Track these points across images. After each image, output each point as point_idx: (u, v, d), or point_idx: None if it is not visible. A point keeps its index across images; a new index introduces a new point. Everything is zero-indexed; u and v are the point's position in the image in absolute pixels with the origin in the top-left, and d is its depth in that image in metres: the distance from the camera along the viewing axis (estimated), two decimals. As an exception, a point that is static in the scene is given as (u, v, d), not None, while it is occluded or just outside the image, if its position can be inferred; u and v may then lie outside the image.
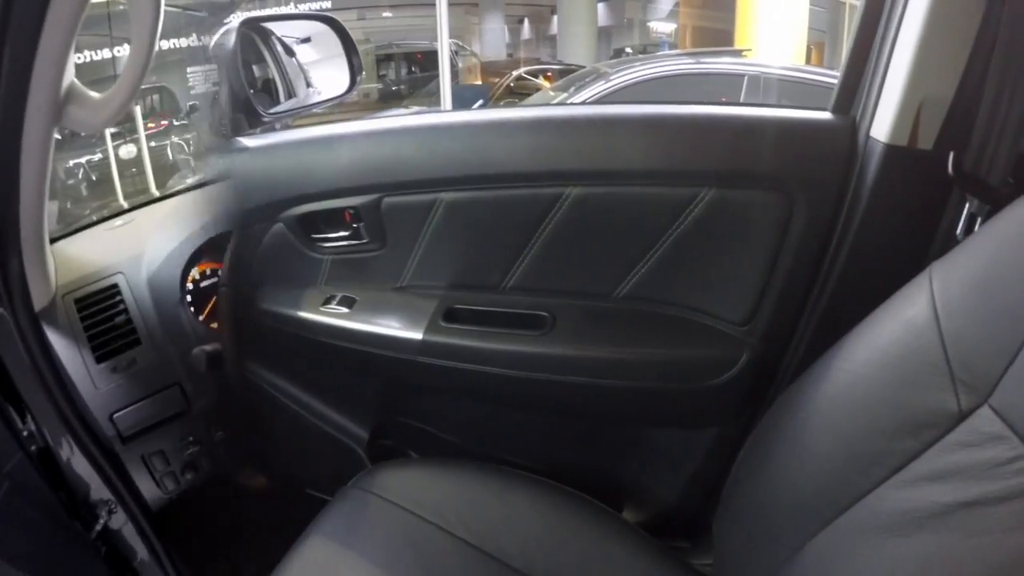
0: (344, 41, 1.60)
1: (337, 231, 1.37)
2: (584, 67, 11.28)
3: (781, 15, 9.26)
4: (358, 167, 1.30)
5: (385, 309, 1.34)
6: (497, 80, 11.22)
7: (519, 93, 9.68)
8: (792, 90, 4.95)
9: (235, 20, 1.49)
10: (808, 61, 10.57)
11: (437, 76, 8.50)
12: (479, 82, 12.98)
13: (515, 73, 10.56)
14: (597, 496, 1.19)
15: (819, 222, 1.10)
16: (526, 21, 20.88)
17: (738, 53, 6.35)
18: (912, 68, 0.97)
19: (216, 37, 1.47)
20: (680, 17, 17.96)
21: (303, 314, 1.39)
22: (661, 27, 19.64)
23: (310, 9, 10.25)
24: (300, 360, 1.58)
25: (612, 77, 5.05)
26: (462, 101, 7.94)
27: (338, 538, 1.07)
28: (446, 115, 1.33)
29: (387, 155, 1.29)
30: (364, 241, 1.34)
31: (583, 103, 4.80)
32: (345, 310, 1.35)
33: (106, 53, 6.82)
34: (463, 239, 1.28)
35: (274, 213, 1.40)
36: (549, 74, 10.92)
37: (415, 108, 8.47)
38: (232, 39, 1.45)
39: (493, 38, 19.83)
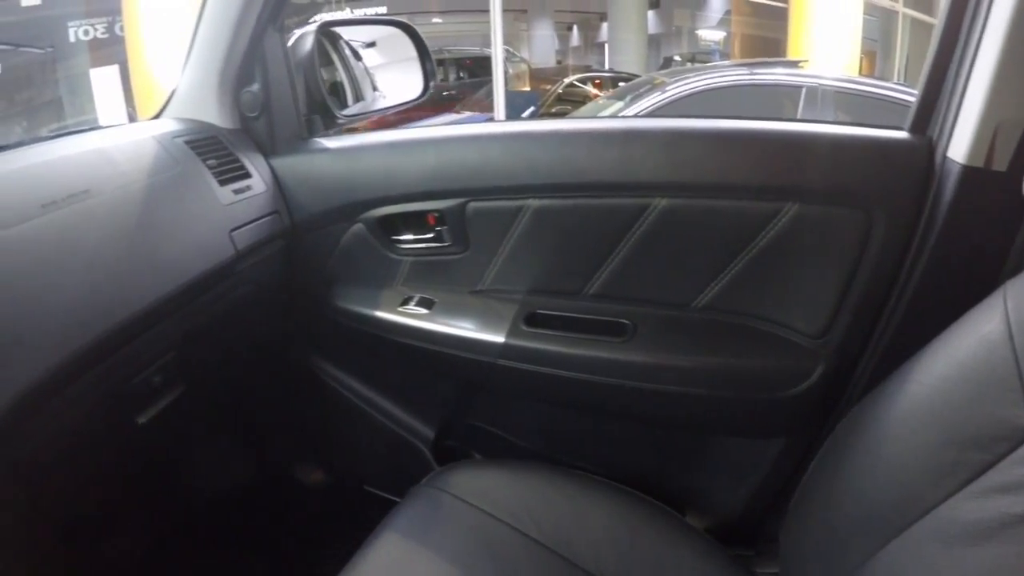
0: (418, 46, 1.65)
1: (419, 234, 1.41)
2: (635, 75, 11.34)
3: (835, 24, 9.15)
4: (445, 171, 1.34)
5: (464, 312, 1.37)
6: (548, 87, 11.25)
7: (569, 100, 9.70)
8: (850, 103, 4.90)
9: (313, 23, 1.56)
10: (859, 71, 10.48)
11: (487, 82, 8.58)
12: (527, 88, 13.02)
13: (566, 80, 10.57)
14: (663, 502, 1.21)
15: (896, 239, 1.12)
16: (575, 28, 20.91)
17: (794, 64, 6.26)
18: (990, 90, 0.99)
19: (293, 39, 1.53)
20: (731, 25, 17.87)
21: (380, 314, 1.43)
22: (710, 35, 19.57)
23: (364, 14, 10.42)
24: (371, 358, 1.63)
25: (668, 88, 5.05)
26: (512, 107, 7.97)
27: (413, 535, 1.09)
28: (534, 123, 1.39)
29: (474, 160, 1.32)
30: (446, 244, 1.38)
31: (640, 114, 4.80)
32: (424, 311, 1.39)
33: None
34: (547, 246, 1.31)
35: (354, 213, 1.44)
36: (598, 81, 10.92)
37: (466, 113, 8.53)
38: (309, 42, 1.51)
39: (542, 44, 19.94)
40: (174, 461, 1.65)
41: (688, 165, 1.20)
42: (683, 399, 1.24)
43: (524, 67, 15.13)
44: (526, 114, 8.46)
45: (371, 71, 1.85)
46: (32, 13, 11.44)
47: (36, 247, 1.09)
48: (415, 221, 1.40)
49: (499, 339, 1.30)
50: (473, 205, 1.32)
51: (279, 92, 1.50)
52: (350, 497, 1.86)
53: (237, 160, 1.45)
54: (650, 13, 17.57)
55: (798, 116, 4.87)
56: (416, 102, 1.72)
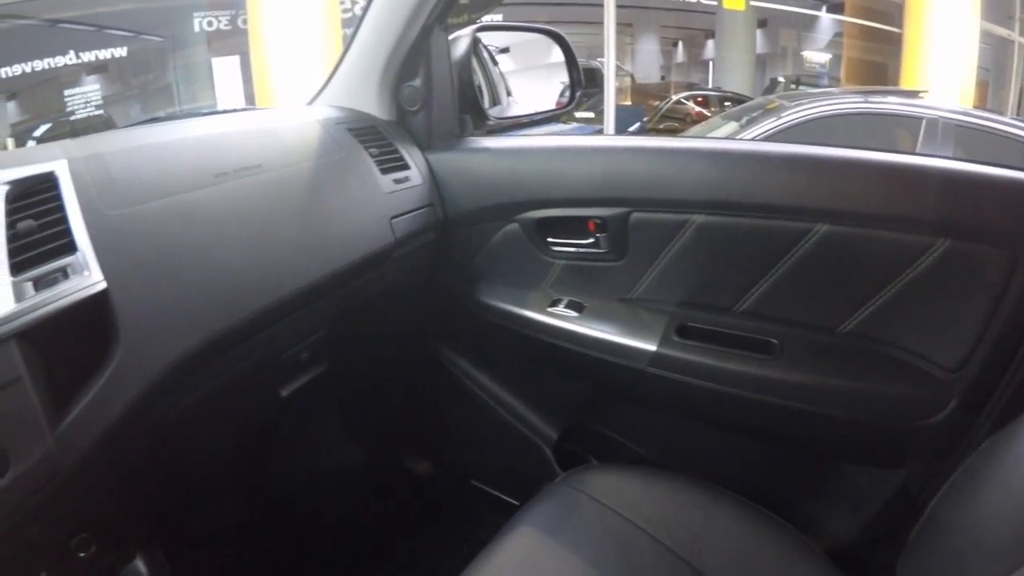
0: (567, 55, 1.71)
1: (577, 238, 1.44)
2: (741, 95, 11.33)
3: (952, 53, 9.01)
4: (611, 180, 1.37)
5: (614, 318, 1.40)
6: (653, 102, 11.32)
7: (674, 117, 9.81)
8: (970, 138, 4.84)
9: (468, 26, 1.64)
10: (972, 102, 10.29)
11: (594, 93, 8.74)
12: (629, 102, 13.10)
13: (674, 97, 10.64)
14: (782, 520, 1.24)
15: None
16: (680, 44, 20.85)
17: (913, 95, 6.12)
18: None
19: (452, 39, 1.58)
20: (838, 48, 17.62)
21: (529, 313, 1.47)
22: (815, 57, 19.26)
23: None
24: (502, 355, 1.69)
25: (784, 114, 5.07)
26: (619, 121, 8.11)
27: (548, 530, 1.11)
28: (702, 141, 1.37)
29: (642, 172, 1.34)
30: (603, 251, 1.41)
31: (757, 139, 4.83)
32: (574, 314, 1.42)
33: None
34: (705, 261, 1.33)
35: (511, 213, 1.49)
36: (700, 99, 10.95)
37: (573, 124, 8.73)
38: (465, 43, 1.58)
39: (646, 59, 19.91)
40: (303, 434, 1.76)
41: (852, 195, 1.22)
42: (820, 420, 1.26)
43: (628, 81, 15.23)
44: (633, 128, 8.58)
45: (505, 76, 1.90)
46: (153, 2, 11.99)
47: (209, 214, 1.16)
48: (574, 226, 1.43)
49: (651, 347, 1.32)
50: (637, 215, 1.34)
51: (440, 89, 1.56)
52: (453, 489, 1.94)
53: (396, 151, 1.51)
54: (756, 32, 17.45)
55: (917, 148, 4.84)
56: (567, 110, 1.80)
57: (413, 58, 1.52)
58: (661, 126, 9.43)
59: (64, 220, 0.99)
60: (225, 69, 9.09)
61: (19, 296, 0.90)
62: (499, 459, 1.83)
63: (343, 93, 1.62)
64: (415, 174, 1.50)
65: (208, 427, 1.24)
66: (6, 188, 0.98)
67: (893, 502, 1.32)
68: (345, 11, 8.37)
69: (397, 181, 1.45)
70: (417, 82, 1.54)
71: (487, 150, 1.53)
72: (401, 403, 1.95)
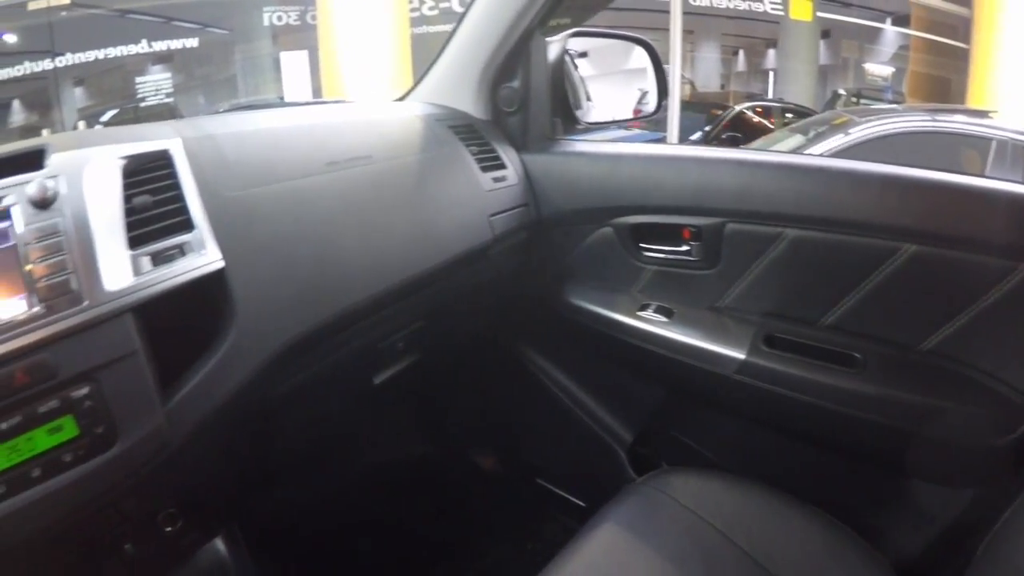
0: (654, 64, 1.73)
1: (671, 245, 1.46)
2: (803, 107, 11.28)
3: (1021, 71, 8.90)
4: (707, 190, 1.38)
5: (702, 325, 1.41)
6: (714, 111, 11.29)
7: (734, 127, 9.79)
8: None
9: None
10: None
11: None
12: (689, 110, 13.10)
13: (737, 108, 10.61)
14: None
15: None
16: (741, 53, 20.68)
17: (983, 114, 6.08)
18: None
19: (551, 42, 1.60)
20: (902, 62, 17.40)
21: (618, 316, 1.50)
22: (877, 70, 18.99)
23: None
24: (583, 356, 1.72)
25: (851, 130, 5.08)
26: (680, 129, 8.17)
27: (633, 528, 1.14)
28: (798, 157, 1.45)
29: (738, 184, 1.36)
30: (696, 259, 1.42)
31: (823, 154, 4.81)
32: (664, 319, 1.44)
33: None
34: (795, 274, 1.34)
35: (605, 217, 1.51)
36: (759, 109, 10.89)
37: (635, 131, 8.81)
38: (559, 47, 1.60)
39: (706, 67, 19.74)
40: (385, 422, 1.86)
41: (944, 216, 1.23)
42: (896, 434, 1.27)
43: (688, 89, 15.21)
44: (695, 137, 8.63)
45: (585, 80, 1.90)
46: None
47: (321, 202, 1.19)
48: (669, 233, 1.45)
49: (739, 355, 1.34)
50: (732, 226, 1.36)
51: (536, 92, 1.59)
52: (517, 487, 1.99)
53: (494, 150, 1.55)
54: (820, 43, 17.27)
55: (986, 170, 4.85)
56: (651, 116, 1.83)
57: (512, 60, 1.56)
58: (724, 136, 9.43)
59: (180, 198, 1.02)
60: (293, 63, 9.32)
61: (136, 270, 0.93)
62: (570, 459, 1.86)
63: (438, 91, 1.66)
64: (511, 174, 1.54)
65: (303, 411, 1.27)
66: (123, 163, 1.01)
67: (961, 520, 1.33)
68: (413, 11, 8.53)
69: (496, 180, 1.49)
70: (515, 84, 1.59)
71: (584, 154, 1.56)
72: (476, 398, 1.99)
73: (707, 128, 9.74)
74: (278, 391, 1.11)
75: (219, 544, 1.28)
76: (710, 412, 1.58)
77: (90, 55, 11.34)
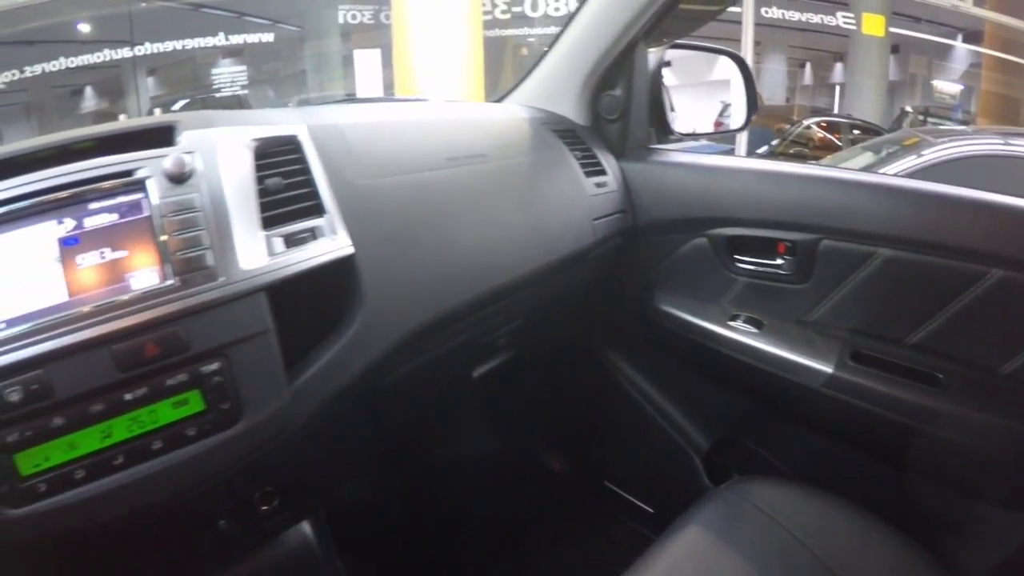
0: (746, 78, 1.75)
1: (764, 259, 1.47)
2: (872, 124, 11.20)
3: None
4: (805, 206, 1.39)
5: (791, 338, 1.42)
6: (781, 125, 11.24)
7: (800, 142, 9.81)
8: None
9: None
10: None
11: (721, 113, 8.83)
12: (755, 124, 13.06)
13: (805, 122, 10.56)
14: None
15: None
16: (808, 66, 20.46)
17: None
18: None
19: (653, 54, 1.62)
20: (974, 80, 17.14)
21: (709, 325, 1.51)
22: (946, 88, 18.68)
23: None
24: (668, 363, 1.73)
25: (924, 152, 5.04)
26: (747, 143, 8.19)
27: (716, 533, 1.16)
28: (893, 178, 1.42)
29: (836, 202, 1.37)
30: (788, 273, 1.43)
31: (895, 175, 4.70)
32: (754, 330, 1.45)
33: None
34: (884, 293, 1.35)
35: (701, 227, 1.52)
36: (826, 124, 10.84)
37: (703, 141, 8.84)
38: (656, 58, 1.63)
39: (772, 80, 19.58)
40: (476, 413, 1.88)
41: None
42: (974, 455, 1.28)
43: (753, 101, 15.14)
44: (762, 150, 8.67)
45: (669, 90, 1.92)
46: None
47: (442, 196, 1.21)
48: (763, 246, 1.46)
49: (826, 369, 1.35)
50: (826, 243, 1.37)
51: (637, 101, 1.60)
52: (584, 489, 2.01)
53: (595, 156, 1.57)
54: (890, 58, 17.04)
55: None
56: (739, 130, 1.83)
57: (616, 69, 1.59)
58: (791, 151, 9.45)
59: (311, 183, 1.04)
60: (367, 61, 9.56)
61: (270, 250, 0.95)
62: (642, 464, 1.88)
63: (538, 94, 1.69)
64: (611, 180, 1.56)
65: (405, 400, 1.29)
66: (254, 144, 1.02)
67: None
68: (486, 13, 8.73)
69: (598, 185, 1.52)
70: (617, 92, 1.61)
71: (682, 165, 1.58)
72: (551, 397, 2.01)
73: (774, 142, 9.74)
74: (390, 378, 1.14)
75: (305, 527, 1.29)
76: (788, 424, 1.58)
77: (167, 45, 11.68)
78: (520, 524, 1.93)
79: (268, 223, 0.97)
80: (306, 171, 1.05)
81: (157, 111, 11.54)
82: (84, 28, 12.82)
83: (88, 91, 14.39)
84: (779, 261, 1.45)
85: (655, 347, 1.75)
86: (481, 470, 1.98)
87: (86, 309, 0.84)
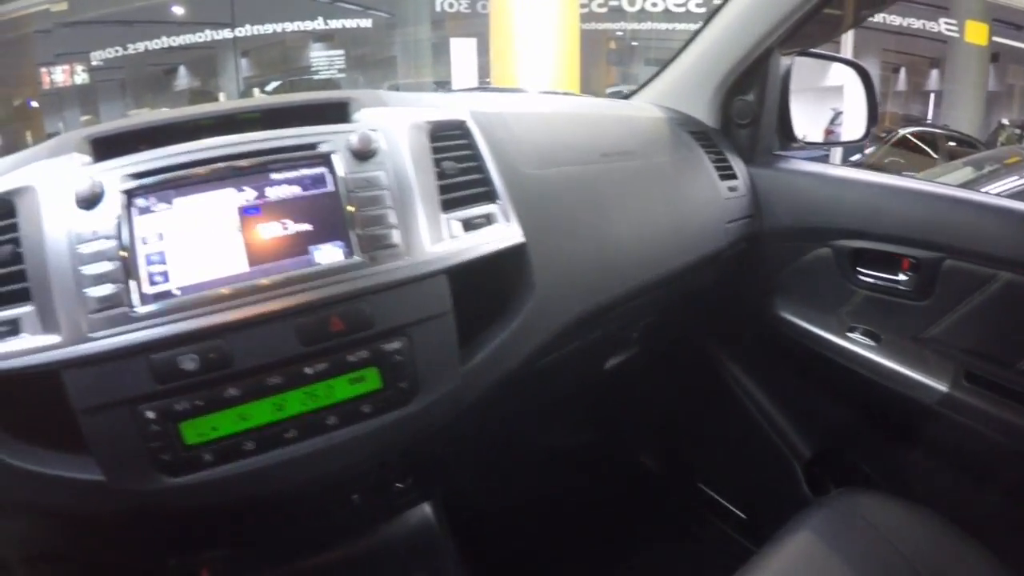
0: (867, 89, 1.72)
1: (888, 273, 1.46)
2: (967, 137, 10.94)
3: None
4: (931, 225, 1.38)
5: (906, 354, 1.42)
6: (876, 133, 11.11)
7: (894, 152, 9.70)
8: None
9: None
10: None
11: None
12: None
13: (901, 132, 10.36)
14: None
15: None
16: (902, 72, 19.94)
17: None
18: None
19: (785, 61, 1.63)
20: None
21: (827, 335, 1.51)
22: (1046, 99, 18.18)
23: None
24: (778, 368, 1.75)
25: None
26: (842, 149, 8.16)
27: (826, 542, 1.17)
28: (1021, 204, 1.36)
29: (963, 222, 1.36)
30: (909, 290, 1.43)
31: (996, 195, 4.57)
32: (872, 343, 1.45)
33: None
34: (1002, 316, 1.34)
35: (826, 237, 1.52)
36: (919, 133, 10.45)
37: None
38: (786, 64, 1.63)
39: (865, 85, 18.95)
40: (597, 405, 1.95)
41: None
42: None
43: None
44: (856, 158, 8.60)
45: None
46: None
47: (599, 190, 1.24)
48: (888, 261, 1.45)
49: (942, 387, 1.35)
50: (950, 263, 1.36)
51: (768, 107, 1.61)
52: (677, 489, 2.03)
53: (727, 160, 1.58)
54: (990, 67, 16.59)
55: None
56: (859, 143, 1.83)
57: (751, 75, 1.60)
58: (886, 160, 9.33)
59: (482, 168, 1.05)
60: (462, 49, 9.77)
61: (450, 233, 0.96)
62: (740, 467, 1.89)
63: (670, 95, 1.70)
64: (741, 184, 1.58)
65: (547, 386, 1.33)
66: (429, 127, 1.04)
67: None
68: (583, 6, 8.89)
69: (730, 189, 1.54)
70: (749, 97, 1.62)
71: (811, 174, 1.57)
72: (656, 392, 2.02)
73: (868, 151, 9.61)
74: (539, 365, 1.14)
75: (426, 507, 1.33)
76: (895, 440, 1.57)
77: (267, 28, 12.05)
78: (610, 517, 1.95)
79: (446, 205, 0.99)
80: (477, 157, 1.07)
81: (255, 91, 11.92)
82: (178, 10, 13.27)
83: (181, 70, 14.90)
84: (902, 277, 1.45)
85: (767, 352, 1.75)
86: (575, 459, 2.02)
87: (269, 280, 0.86)
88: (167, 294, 0.84)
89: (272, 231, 0.89)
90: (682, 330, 1.85)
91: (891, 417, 1.53)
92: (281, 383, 0.86)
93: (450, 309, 0.94)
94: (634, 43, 12.68)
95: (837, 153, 7.64)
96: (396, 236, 0.91)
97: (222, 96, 11.86)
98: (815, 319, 1.55)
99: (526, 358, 1.06)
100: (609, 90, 12.20)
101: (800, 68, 1.67)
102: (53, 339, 0.81)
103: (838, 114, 1.82)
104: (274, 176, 0.92)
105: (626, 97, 1.85)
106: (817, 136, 1.82)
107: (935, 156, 9.65)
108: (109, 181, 0.87)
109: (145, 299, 0.83)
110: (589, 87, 7.54)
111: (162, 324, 0.82)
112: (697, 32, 1.65)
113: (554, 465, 1.97)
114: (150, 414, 0.82)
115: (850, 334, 1.49)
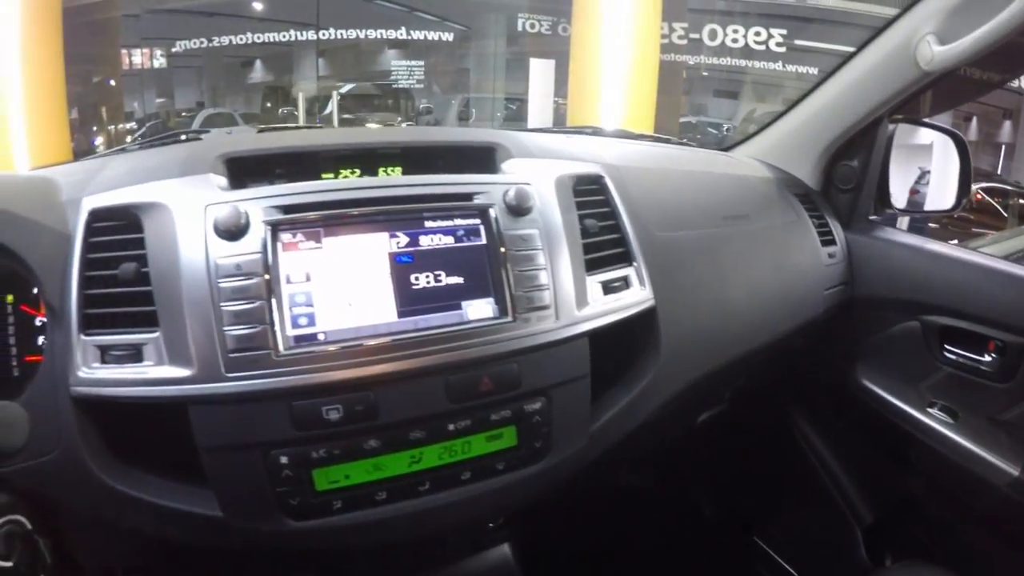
0: (962, 159, 1.68)
1: (974, 353, 1.44)
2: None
3: None
4: (1021, 308, 1.36)
5: (982, 433, 1.40)
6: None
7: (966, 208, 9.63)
8: None
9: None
10: None
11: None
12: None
13: (974, 186, 10.19)
14: None
15: None
16: (974, 121, 19.54)
17: None
18: None
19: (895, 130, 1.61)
20: None
21: (906, 407, 1.49)
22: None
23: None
24: (852, 431, 1.74)
25: None
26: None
27: None
28: None
29: None
30: (992, 371, 1.41)
31: None
32: (950, 420, 1.43)
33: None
34: None
35: (917, 311, 1.50)
36: (989, 189, 10.27)
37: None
38: (889, 131, 1.61)
39: (934, 133, 18.47)
40: (675, 452, 1.90)
41: None
42: None
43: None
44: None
45: None
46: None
47: (719, 254, 1.27)
48: (974, 341, 1.43)
49: (1014, 471, 1.32)
50: None
51: (871, 173, 1.59)
52: (731, 538, 2.02)
53: (827, 225, 1.58)
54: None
55: None
56: (950, 212, 1.79)
57: (858, 140, 1.58)
58: (955, 215, 9.22)
59: (619, 228, 1.07)
60: (541, 69, 9.98)
61: (592, 295, 0.98)
62: (799, 526, 1.87)
63: (773, 151, 1.70)
64: (839, 251, 1.57)
65: (647, 441, 1.31)
66: (573, 182, 1.05)
67: None
68: (663, 37, 9.07)
69: (830, 255, 1.54)
70: (854, 163, 1.60)
71: (907, 246, 1.56)
72: (723, 442, 1.99)
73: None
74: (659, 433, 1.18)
75: (506, 546, 1.35)
76: (959, 517, 1.55)
77: (350, 32, 12.35)
78: (661, 560, 1.94)
79: (589, 266, 1.00)
80: (615, 215, 1.09)
81: (334, 94, 12.21)
82: (258, 5, 13.64)
83: (257, 64, 15.33)
84: (987, 358, 1.43)
85: (842, 414, 1.74)
86: (634, 499, 2.02)
87: (421, 334, 0.85)
88: (312, 338, 0.83)
89: (423, 281, 0.88)
90: (766, 389, 1.85)
91: (959, 494, 1.50)
92: (422, 438, 0.86)
93: (589, 372, 0.96)
94: (704, 73, 12.80)
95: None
96: (548, 297, 0.92)
97: (300, 94, 12.18)
98: (896, 390, 1.53)
99: (647, 419, 1.08)
100: (680, 120, 12.36)
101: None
102: (182, 372, 0.80)
103: (924, 174, 1.78)
104: (428, 224, 0.91)
105: (728, 149, 1.86)
106: (902, 194, 1.76)
107: (1005, 214, 9.52)
108: (254, 212, 0.85)
109: (288, 343, 0.82)
110: (660, 114, 7.66)
111: (307, 372, 0.80)
112: (807, 93, 1.66)
113: (612, 503, 1.95)
114: (283, 459, 0.82)
115: (929, 409, 1.47)
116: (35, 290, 0.88)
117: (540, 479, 0.95)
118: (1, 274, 0.88)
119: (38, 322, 0.90)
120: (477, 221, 0.93)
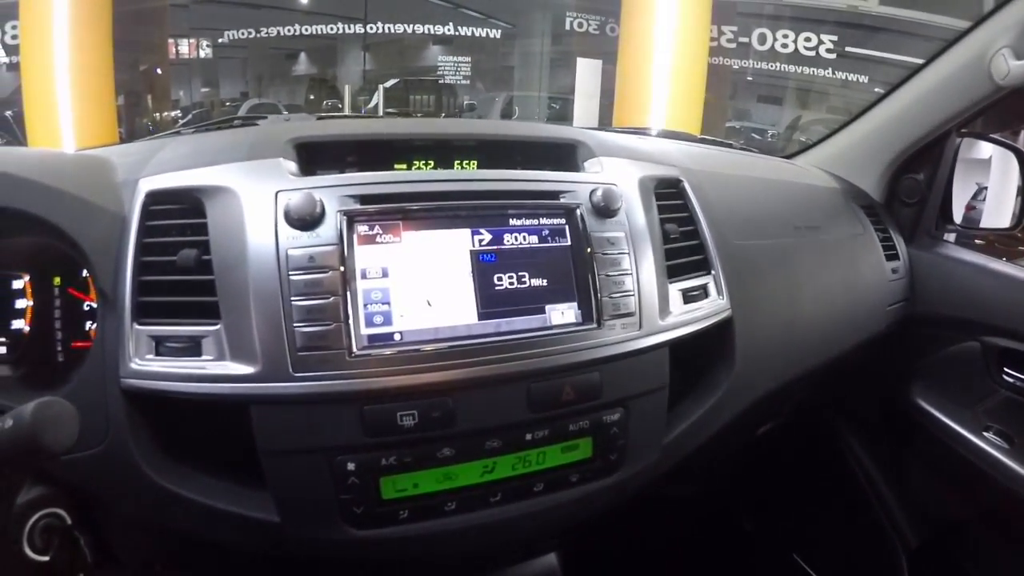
0: None
1: None
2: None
3: None
4: None
5: None
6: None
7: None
8: None
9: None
10: None
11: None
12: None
13: None
14: None
15: None
16: (1022, 135, 19.38)
17: None
18: None
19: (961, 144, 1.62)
20: None
21: (961, 429, 1.47)
22: None
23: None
24: (903, 451, 1.71)
25: None
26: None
27: None
28: None
29: None
30: None
31: None
32: (1005, 445, 1.41)
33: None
34: None
35: (977, 332, 1.51)
36: None
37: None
38: (955, 146, 1.62)
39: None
40: (722, 464, 1.88)
41: None
42: None
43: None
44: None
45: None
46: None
47: (792, 264, 1.26)
48: None
49: None
50: None
51: (936, 188, 1.59)
52: (769, 554, 2.00)
53: (891, 239, 1.58)
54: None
55: None
56: (1007, 231, 1.88)
57: (925, 154, 1.58)
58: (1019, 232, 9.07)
59: (698, 234, 1.07)
60: (587, 69, 10.02)
61: (673, 304, 0.96)
62: (841, 546, 1.84)
63: (837, 160, 1.70)
64: (902, 267, 1.57)
65: (711, 451, 1.27)
66: (653, 184, 1.03)
67: None
68: (712, 40, 9.09)
69: (893, 271, 1.54)
70: (920, 176, 1.60)
71: (971, 264, 1.54)
72: (770, 456, 1.96)
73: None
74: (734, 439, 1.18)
75: (552, 555, 1.33)
76: (1007, 545, 1.53)
77: (398, 27, 12.43)
78: (699, 572, 1.92)
79: (670, 272, 0.99)
80: (693, 220, 1.08)
81: (380, 88, 12.30)
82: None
83: (302, 56, 15.49)
84: None
85: (893, 433, 1.70)
86: (675, 509, 1.96)
87: (504, 339, 0.82)
88: (387, 338, 0.79)
89: (506, 282, 0.85)
90: (819, 403, 1.83)
91: (1010, 522, 1.47)
92: (497, 447, 0.83)
93: (667, 383, 0.94)
94: (749, 78, 12.77)
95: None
96: (633, 304, 0.90)
97: (346, 88, 12.31)
98: (952, 412, 1.49)
99: (718, 431, 1.07)
100: (726, 124, 12.34)
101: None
102: (244, 369, 0.76)
103: (982, 189, 2.02)
104: (513, 222, 0.88)
105: (790, 156, 1.85)
106: (958, 210, 1.76)
107: (1043, 232, 9.39)
108: (328, 200, 0.81)
109: (362, 342, 0.78)
110: (707, 118, 7.68)
111: (382, 375, 0.77)
112: (873, 104, 1.66)
113: (654, 513, 1.86)
114: (351, 466, 0.78)
115: (984, 432, 1.43)
116: (84, 273, 0.86)
117: (610, 491, 0.93)
118: (49, 255, 0.85)
119: (87, 307, 0.88)
120: (562, 221, 0.90)
